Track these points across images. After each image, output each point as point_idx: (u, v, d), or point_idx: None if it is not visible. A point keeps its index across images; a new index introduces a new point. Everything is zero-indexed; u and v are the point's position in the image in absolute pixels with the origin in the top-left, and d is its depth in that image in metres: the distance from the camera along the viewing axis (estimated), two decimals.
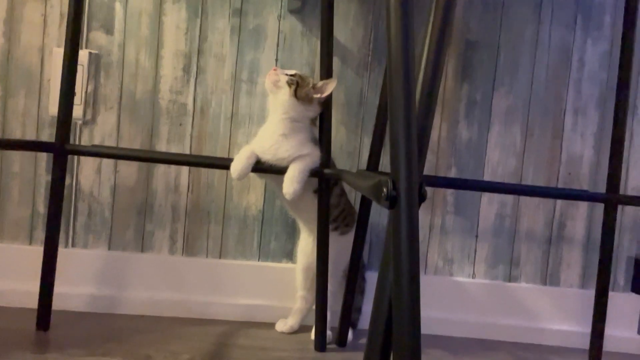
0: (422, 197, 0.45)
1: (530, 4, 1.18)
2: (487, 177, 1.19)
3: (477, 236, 1.20)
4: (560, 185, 1.20)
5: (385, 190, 0.43)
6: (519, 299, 1.19)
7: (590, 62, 1.20)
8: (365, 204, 1.04)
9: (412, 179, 0.42)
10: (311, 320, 1.03)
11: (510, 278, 1.21)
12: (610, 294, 1.15)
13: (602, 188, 1.19)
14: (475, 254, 1.20)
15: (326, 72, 0.98)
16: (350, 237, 1.03)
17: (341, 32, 1.15)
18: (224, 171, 1.13)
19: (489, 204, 1.20)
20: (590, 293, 1.16)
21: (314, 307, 1.02)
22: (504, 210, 1.20)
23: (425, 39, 0.57)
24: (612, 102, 1.12)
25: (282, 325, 1.08)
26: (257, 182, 1.15)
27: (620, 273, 1.21)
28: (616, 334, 1.18)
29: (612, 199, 1.06)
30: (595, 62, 1.20)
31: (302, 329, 1.09)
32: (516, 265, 1.20)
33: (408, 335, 0.44)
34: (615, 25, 1.19)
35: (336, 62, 1.14)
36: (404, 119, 0.43)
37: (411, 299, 0.43)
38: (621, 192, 1.19)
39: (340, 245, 1.03)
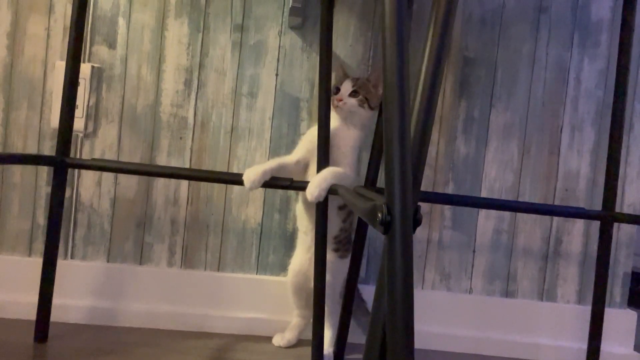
0: (417, 222, 0.45)
1: (528, 22, 1.20)
2: (484, 193, 1.20)
3: (474, 251, 1.20)
4: (557, 201, 1.21)
5: (379, 215, 0.43)
6: (515, 314, 1.20)
7: (587, 80, 1.21)
8: (363, 222, 1.04)
9: (407, 204, 0.43)
10: (309, 334, 1.03)
11: (507, 293, 1.21)
12: (607, 310, 1.16)
13: (598, 204, 1.20)
14: (472, 269, 1.21)
15: (325, 88, 0.99)
16: (347, 262, 1.04)
17: (341, 48, 1.17)
18: (223, 184, 1.15)
19: (486, 219, 1.20)
20: (587, 309, 1.17)
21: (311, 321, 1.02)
22: (501, 225, 1.21)
23: (423, 61, 0.58)
24: (608, 119, 1.13)
25: (279, 339, 1.08)
26: (256, 194, 1.16)
27: (617, 289, 1.22)
28: (613, 350, 1.19)
29: (607, 216, 1.06)
30: (591, 80, 1.21)
31: (300, 342, 1.09)
32: (513, 280, 1.21)
33: (402, 356, 0.45)
34: (611, 44, 1.20)
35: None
36: (399, 145, 0.44)
37: (405, 322, 0.44)
38: (617, 208, 1.20)
39: (338, 268, 1.03)
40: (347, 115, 1.00)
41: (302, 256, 1.06)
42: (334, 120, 0.99)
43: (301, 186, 0.94)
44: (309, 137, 1.03)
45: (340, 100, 0.99)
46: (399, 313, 0.44)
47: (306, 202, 1.02)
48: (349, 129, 1.01)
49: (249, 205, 1.16)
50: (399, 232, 0.43)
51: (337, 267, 1.02)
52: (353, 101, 0.99)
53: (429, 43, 0.59)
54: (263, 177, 0.91)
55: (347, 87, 1.00)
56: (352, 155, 1.01)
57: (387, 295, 0.45)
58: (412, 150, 0.50)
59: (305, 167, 1.02)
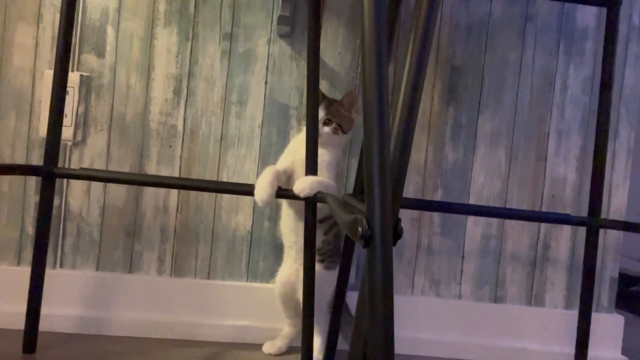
0: (397, 235, 0.46)
1: (514, 30, 1.21)
2: (472, 199, 1.21)
3: (463, 257, 1.21)
4: (544, 207, 1.22)
5: (360, 229, 0.44)
6: (504, 319, 1.21)
7: (573, 87, 1.22)
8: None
9: (387, 219, 0.43)
10: (300, 341, 1.03)
11: (496, 298, 1.22)
12: (594, 314, 1.17)
13: (585, 209, 1.21)
14: (461, 274, 1.21)
15: (313, 95, 0.99)
16: (333, 273, 1.05)
17: (329, 56, 1.17)
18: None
19: (475, 225, 1.21)
20: (575, 313, 1.18)
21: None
22: (489, 231, 1.22)
23: (404, 70, 0.59)
24: (594, 125, 1.15)
25: (269, 347, 1.08)
26: (246, 202, 1.16)
27: (604, 294, 1.23)
28: (600, 354, 1.20)
29: (593, 222, 1.08)
30: (577, 87, 1.22)
31: (291, 350, 1.10)
32: (502, 285, 1.22)
33: None
34: (597, 51, 1.22)
35: (324, 85, 1.17)
36: (378, 160, 0.44)
37: (385, 334, 0.44)
38: (604, 213, 1.22)
39: (324, 279, 1.03)
40: (321, 141, 1.00)
41: (289, 268, 1.06)
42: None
43: (288, 194, 0.94)
44: (293, 147, 1.06)
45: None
46: (379, 324, 0.44)
47: (289, 217, 1.04)
48: (325, 149, 1.02)
49: (238, 213, 1.16)
50: (379, 246, 0.44)
51: (322, 279, 1.02)
52: (326, 129, 1.01)
53: (409, 53, 0.59)
54: (272, 189, 0.93)
55: (320, 115, 1.00)
56: (331, 171, 1.02)
57: (368, 307, 0.45)
58: (393, 163, 0.51)
59: (289, 177, 1.03)
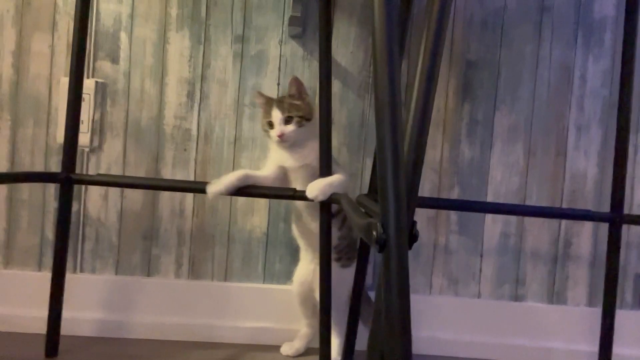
0: (413, 239, 0.45)
1: (530, 22, 1.19)
2: (490, 196, 1.19)
3: (481, 255, 1.19)
4: (564, 203, 1.19)
5: (375, 233, 0.43)
6: (525, 318, 1.19)
7: (592, 79, 1.19)
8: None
9: (401, 223, 0.42)
10: (318, 342, 1.03)
11: (516, 297, 1.20)
12: (618, 311, 1.14)
13: (607, 204, 1.18)
14: (480, 273, 1.20)
15: (325, 95, 0.98)
16: (350, 271, 1.04)
17: (342, 55, 1.16)
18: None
19: (493, 223, 1.19)
20: (598, 311, 1.15)
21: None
22: (508, 228, 1.20)
23: (416, 70, 0.58)
24: (614, 118, 1.11)
25: (287, 349, 1.08)
26: (261, 204, 1.16)
27: (628, 290, 1.20)
28: (624, 352, 1.17)
29: (616, 218, 1.05)
30: (597, 79, 1.19)
31: (309, 351, 1.09)
32: (522, 284, 1.20)
33: None
34: (616, 42, 1.19)
35: (338, 85, 1.16)
36: (392, 163, 0.43)
37: (402, 337, 0.44)
38: (627, 208, 1.19)
39: (341, 278, 1.03)
40: (294, 141, 0.98)
41: (305, 267, 1.06)
42: (284, 150, 0.99)
43: (302, 196, 0.94)
44: (272, 154, 1.03)
45: (281, 135, 0.96)
46: (396, 329, 0.44)
47: (301, 221, 1.03)
48: (306, 145, 0.98)
49: (254, 215, 1.16)
50: (394, 251, 0.43)
51: (339, 277, 1.02)
52: (291, 127, 0.96)
53: (422, 49, 0.58)
54: (225, 187, 0.93)
55: (278, 117, 0.96)
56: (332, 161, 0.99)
57: (384, 311, 0.45)
58: (407, 163, 0.50)
59: (282, 181, 1.01)
